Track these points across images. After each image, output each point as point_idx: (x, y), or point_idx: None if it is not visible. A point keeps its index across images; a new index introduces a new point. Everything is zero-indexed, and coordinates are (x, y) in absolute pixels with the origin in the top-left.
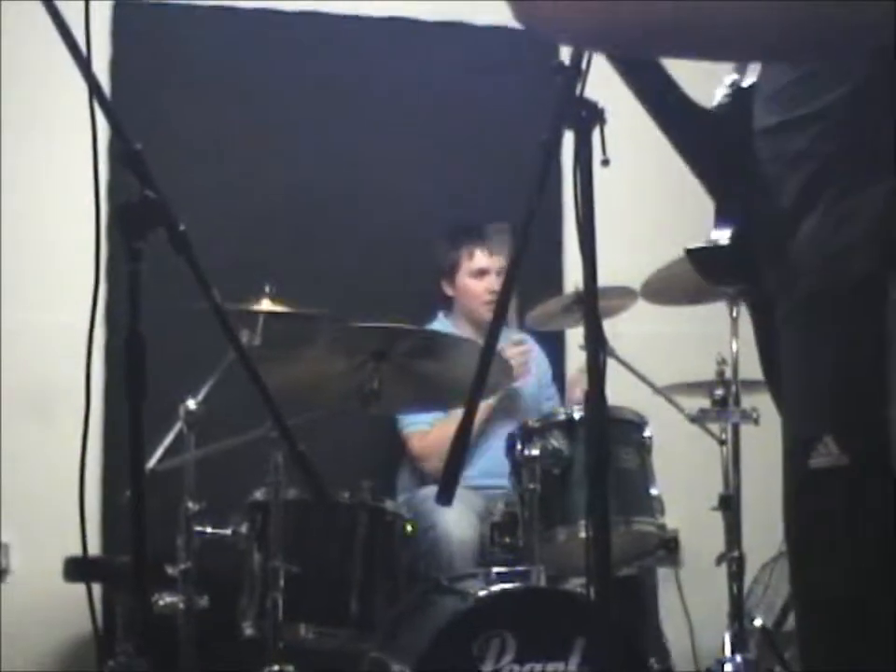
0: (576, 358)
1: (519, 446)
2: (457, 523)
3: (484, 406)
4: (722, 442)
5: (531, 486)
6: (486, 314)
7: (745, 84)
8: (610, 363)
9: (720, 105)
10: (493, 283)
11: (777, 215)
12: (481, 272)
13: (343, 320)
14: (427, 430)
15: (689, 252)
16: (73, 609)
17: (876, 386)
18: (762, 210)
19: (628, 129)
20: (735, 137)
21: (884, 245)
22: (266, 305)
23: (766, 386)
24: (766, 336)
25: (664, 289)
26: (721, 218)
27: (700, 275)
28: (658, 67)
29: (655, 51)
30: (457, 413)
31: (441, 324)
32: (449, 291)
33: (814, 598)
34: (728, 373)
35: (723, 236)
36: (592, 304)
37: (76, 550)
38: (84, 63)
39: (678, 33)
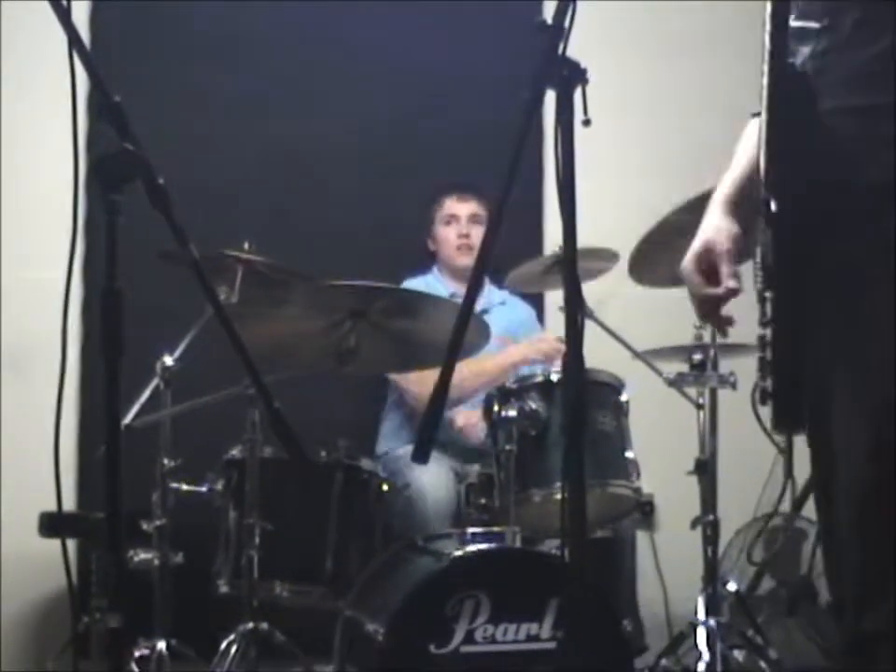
0: (555, 320)
1: (496, 407)
2: (433, 483)
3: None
4: (699, 406)
5: (507, 447)
6: (459, 259)
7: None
8: (588, 325)
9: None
10: (463, 227)
11: (858, 192)
12: (451, 217)
13: (319, 279)
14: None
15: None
16: (48, 564)
17: None
18: (833, 187)
19: (611, 89)
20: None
21: None
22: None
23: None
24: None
25: (648, 269)
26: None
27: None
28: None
29: None
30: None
31: (434, 277)
32: (432, 247)
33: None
34: (706, 338)
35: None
36: (571, 266)
37: (52, 505)
38: (64, 14)
39: None
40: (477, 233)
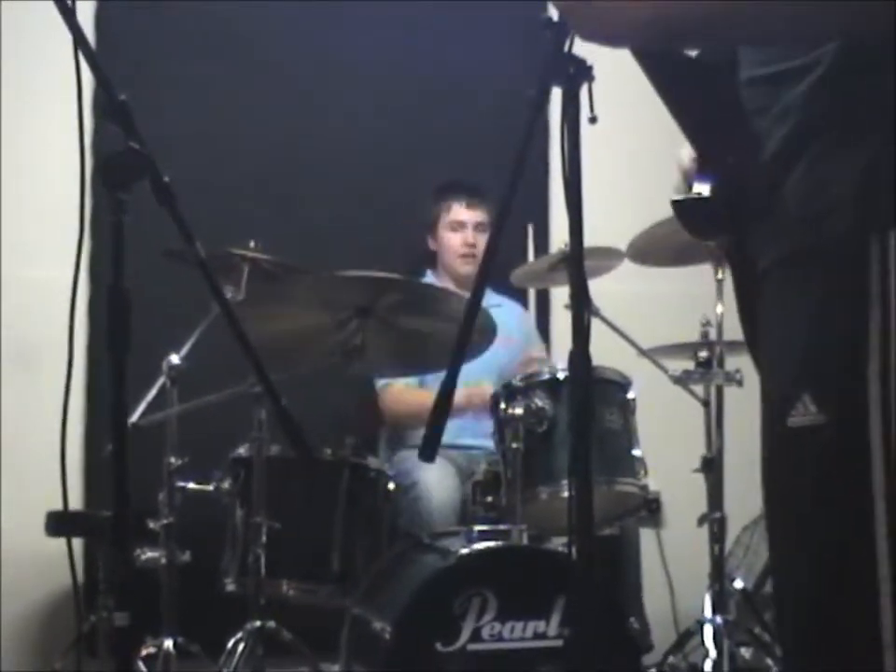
0: (561, 317)
1: (502, 405)
2: (439, 481)
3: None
4: (706, 404)
5: (514, 445)
6: (461, 267)
7: None
8: (595, 323)
9: (704, 53)
10: (469, 236)
11: (761, 169)
12: (458, 224)
13: (326, 275)
14: (402, 388)
15: (674, 203)
16: (54, 563)
17: (856, 345)
18: (747, 163)
19: (616, 87)
20: (720, 88)
21: (867, 205)
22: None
23: (747, 348)
24: (747, 297)
25: (649, 250)
26: (704, 171)
27: (684, 227)
28: None
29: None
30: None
31: (429, 280)
32: (433, 246)
33: (791, 553)
34: (712, 335)
35: (706, 189)
36: (577, 264)
37: (58, 504)
38: (68, 13)
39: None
40: (482, 242)
